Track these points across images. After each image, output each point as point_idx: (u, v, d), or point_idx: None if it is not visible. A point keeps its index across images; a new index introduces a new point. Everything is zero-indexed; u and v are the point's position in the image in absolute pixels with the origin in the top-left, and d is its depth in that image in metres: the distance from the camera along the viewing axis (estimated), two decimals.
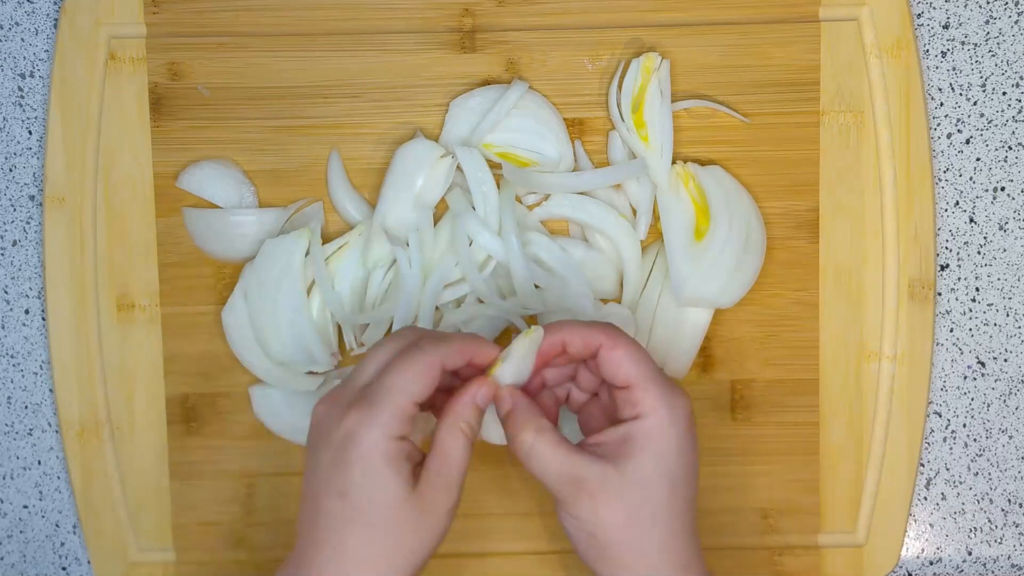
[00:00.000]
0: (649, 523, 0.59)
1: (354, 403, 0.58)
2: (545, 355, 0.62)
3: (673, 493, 0.59)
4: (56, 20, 0.73)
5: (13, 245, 0.74)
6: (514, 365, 0.61)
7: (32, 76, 0.73)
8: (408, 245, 0.70)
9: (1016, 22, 0.73)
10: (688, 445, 0.60)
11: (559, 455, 0.59)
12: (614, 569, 0.60)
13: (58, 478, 0.75)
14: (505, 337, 0.72)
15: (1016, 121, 0.73)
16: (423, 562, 0.59)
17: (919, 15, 0.73)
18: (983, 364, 0.74)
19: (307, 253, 0.71)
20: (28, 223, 0.74)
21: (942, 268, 0.74)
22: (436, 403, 0.62)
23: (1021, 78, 0.73)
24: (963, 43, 0.73)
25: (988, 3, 0.73)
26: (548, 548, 0.73)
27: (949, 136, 0.73)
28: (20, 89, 0.74)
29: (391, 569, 0.58)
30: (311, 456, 0.60)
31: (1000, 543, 0.75)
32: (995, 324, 0.74)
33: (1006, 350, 0.74)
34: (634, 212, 0.72)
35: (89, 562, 0.74)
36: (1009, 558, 0.75)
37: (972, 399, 0.74)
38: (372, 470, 0.57)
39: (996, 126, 0.73)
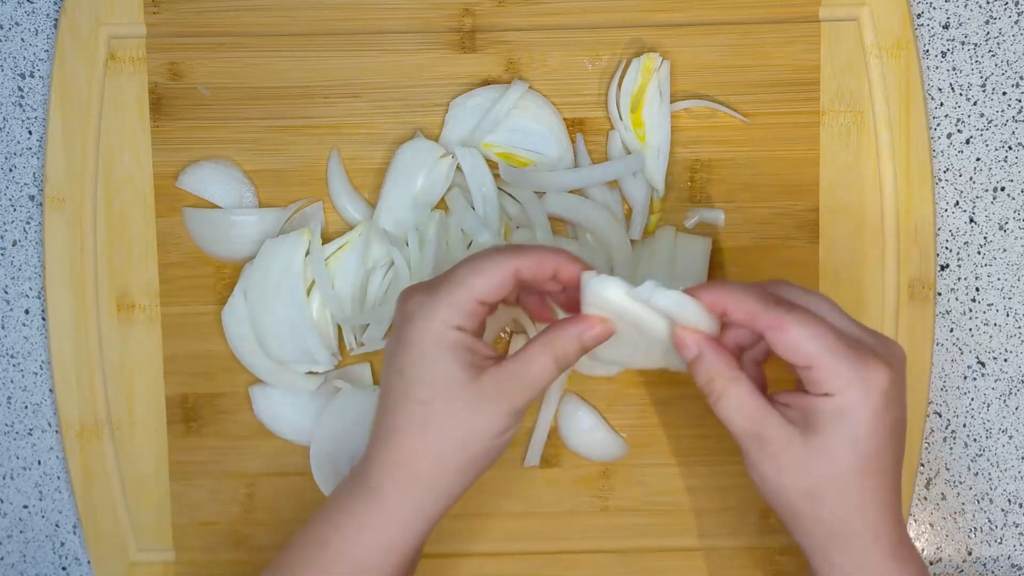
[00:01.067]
0: (835, 498, 0.57)
1: (420, 288, 0.59)
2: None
3: (864, 469, 0.57)
4: (56, 20, 0.73)
5: (13, 245, 0.74)
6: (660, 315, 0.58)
7: (32, 76, 0.73)
8: (408, 245, 0.70)
9: (1016, 22, 0.73)
10: (884, 422, 0.57)
11: (746, 407, 0.58)
12: (800, 536, 0.59)
13: (58, 478, 0.75)
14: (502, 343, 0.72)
15: (1016, 121, 0.73)
16: (476, 453, 0.59)
17: (919, 15, 0.73)
18: (983, 364, 0.74)
19: (307, 253, 0.71)
20: (28, 223, 0.74)
21: (942, 268, 0.74)
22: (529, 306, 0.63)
23: (1021, 78, 0.73)
24: (963, 43, 0.73)
25: (988, 3, 0.73)
26: (549, 548, 0.73)
27: (949, 136, 0.73)
28: (20, 89, 0.74)
29: (442, 452, 0.59)
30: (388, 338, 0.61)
31: (1000, 543, 0.75)
32: (995, 324, 0.74)
33: (1006, 350, 0.74)
34: (629, 212, 0.72)
35: (89, 562, 0.74)
36: (1009, 558, 0.75)
37: (972, 399, 0.74)
38: (427, 352, 0.58)
39: (996, 126, 0.73)
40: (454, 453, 0.59)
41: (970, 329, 0.74)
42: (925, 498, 0.74)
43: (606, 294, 0.58)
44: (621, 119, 0.71)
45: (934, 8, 0.73)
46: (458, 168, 0.70)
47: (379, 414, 0.60)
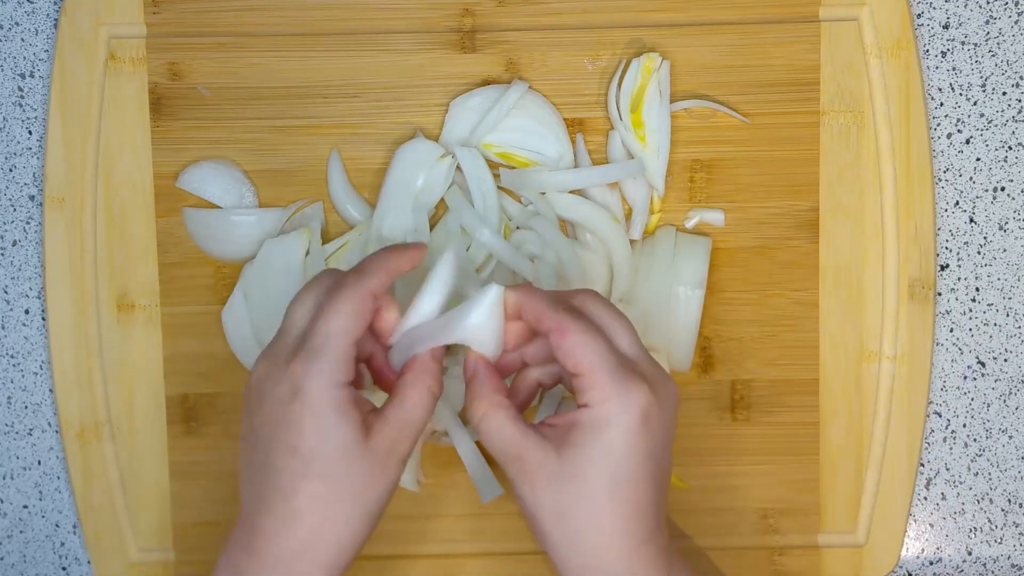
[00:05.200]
0: (585, 520, 0.56)
1: (295, 355, 0.57)
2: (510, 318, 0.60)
3: (615, 493, 0.56)
4: (56, 20, 0.73)
5: (13, 245, 0.74)
6: (480, 319, 0.58)
7: (32, 76, 0.73)
8: None
9: (1016, 22, 0.73)
10: (641, 444, 0.56)
11: (506, 431, 0.58)
12: (554, 559, 0.58)
13: (58, 478, 0.75)
14: None
15: (1016, 121, 0.73)
16: (377, 511, 0.58)
17: (919, 15, 0.73)
18: (983, 364, 0.74)
19: (307, 253, 0.71)
20: (28, 223, 0.74)
21: (942, 268, 0.74)
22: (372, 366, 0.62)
23: (1021, 78, 0.73)
24: (963, 43, 0.73)
25: (988, 3, 0.73)
26: None
27: (949, 136, 0.73)
28: (20, 89, 0.74)
29: (345, 519, 0.57)
30: (253, 418, 0.58)
31: (1000, 543, 0.75)
32: (995, 324, 0.74)
33: (1006, 350, 0.74)
34: (629, 212, 0.72)
35: (89, 562, 0.74)
36: (1009, 558, 0.75)
37: (972, 399, 0.74)
38: (322, 421, 0.56)
39: (996, 126, 0.73)
40: (360, 522, 0.57)
41: (970, 329, 0.74)
42: (925, 498, 0.74)
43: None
44: (621, 119, 0.71)
45: (934, 8, 0.73)
46: (458, 168, 0.70)
47: (260, 496, 0.57)
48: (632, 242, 0.71)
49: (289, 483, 0.56)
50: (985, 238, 0.73)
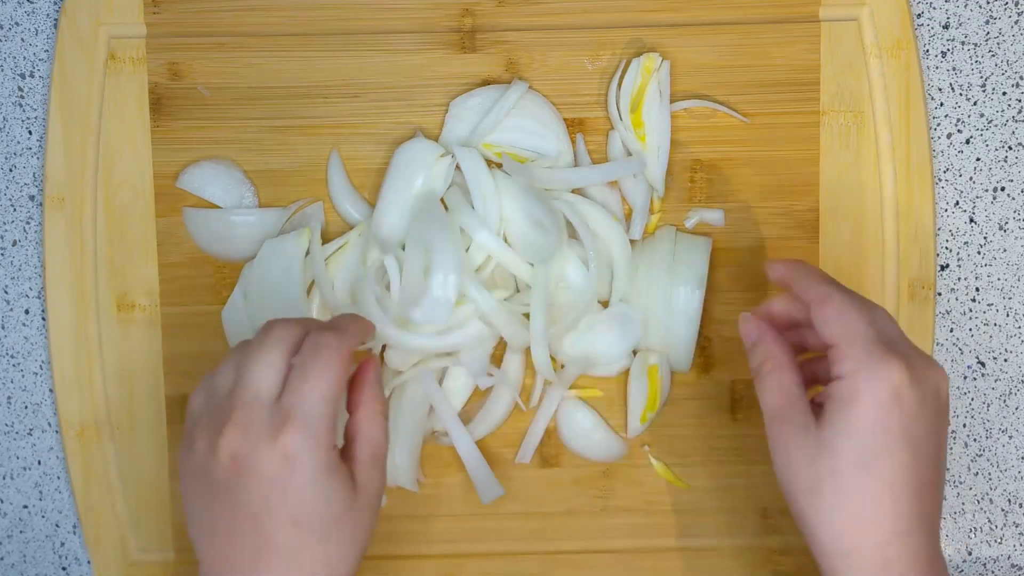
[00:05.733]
0: (835, 497, 0.56)
1: (284, 425, 0.55)
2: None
3: (865, 470, 0.55)
4: (56, 20, 0.73)
5: (13, 245, 0.74)
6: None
7: (32, 76, 0.73)
8: (405, 248, 0.70)
9: (1016, 22, 0.73)
10: (893, 420, 0.55)
11: (790, 388, 0.59)
12: (809, 538, 0.58)
13: (58, 478, 0.75)
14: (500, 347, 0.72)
15: (1016, 121, 0.73)
16: (369, 540, 0.59)
17: (919, 15, 0.73)
18: (983, 364, 0.74)
19: (307, 253, 0.71)
20: (28, 223, 0.74)
21: (942, 268, 0.74)
22: None
23: (1021, 78, 0.73)
24: (963, 43, 0.73)
25: (988, 3, 0.73)
26: (549, 548, 0.73)
27: (949, 136, 0.73)
28: (20, 89, 0.74)
29: (347, 562, 0.57)
30: (233, 493, 0.56)
31: (1000, 543, 0.75)
32: (995, 324, 0.74)
33: (1006, 350, 0.74)
34: (629, 212, 0.72)
35: (89, 562, 0.74)
36: (1009, 558, 0.75)
37: (972, 399, 0.74)
38: (321, 488, 0.56)
39: (996, 126, 0.73)
40: (357, 560, 0.58)
41: (970, 329, 0.74)
42: None
43: None
44: (621, 119, 0.71)
45: (934, 8, 0.73)
46: (458, 168, 0.70)
47: (260, 565, 0.56)
48: (632, 242, 0.71)
49: (293, 553, 0.56)
50: (985, 238, 0.73)
